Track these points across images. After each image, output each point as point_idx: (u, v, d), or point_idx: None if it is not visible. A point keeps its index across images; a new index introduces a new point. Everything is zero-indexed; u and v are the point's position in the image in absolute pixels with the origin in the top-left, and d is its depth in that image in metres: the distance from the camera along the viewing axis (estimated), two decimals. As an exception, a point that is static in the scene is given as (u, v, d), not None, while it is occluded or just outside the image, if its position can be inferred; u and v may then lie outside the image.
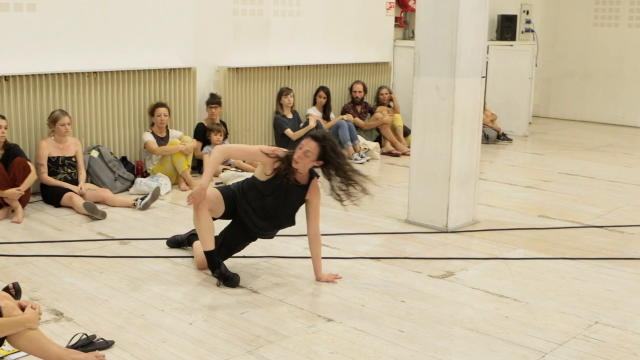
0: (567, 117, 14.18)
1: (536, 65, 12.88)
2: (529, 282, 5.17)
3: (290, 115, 9.58)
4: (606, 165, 9.61)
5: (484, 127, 10.69)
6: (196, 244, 5.45)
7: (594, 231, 6.48)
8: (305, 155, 4.87)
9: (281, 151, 5.01)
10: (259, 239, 5.35)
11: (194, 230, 5.77)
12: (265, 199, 5.03)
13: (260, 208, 5.06)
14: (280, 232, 5.20)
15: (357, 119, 10.23)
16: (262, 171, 5.05)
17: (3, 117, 6.75)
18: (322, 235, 5.08)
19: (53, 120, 7.19)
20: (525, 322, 4.47)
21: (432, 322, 4.45)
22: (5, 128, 6.71)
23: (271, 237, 5.36)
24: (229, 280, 4.96)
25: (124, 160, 8.12)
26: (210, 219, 4.99)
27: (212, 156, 5.02)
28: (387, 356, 3.99)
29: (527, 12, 13.77)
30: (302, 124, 9.53)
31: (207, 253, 5.00)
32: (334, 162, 4.90)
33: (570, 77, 14.13)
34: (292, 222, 5.21)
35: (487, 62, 7.69)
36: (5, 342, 3.49)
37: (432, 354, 4.02)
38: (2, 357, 3.82)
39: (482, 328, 4.37)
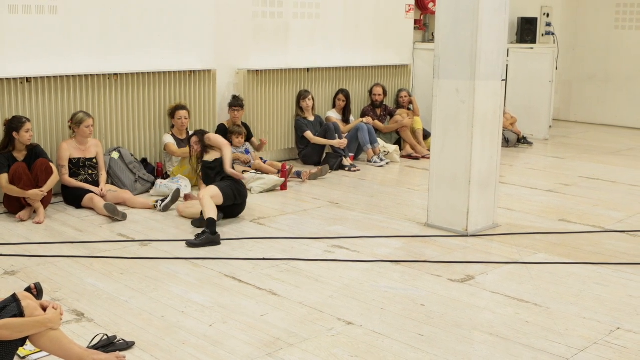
0: (588, 120, 14.09)
1: (557, 68, 12.82)
2: (549, 286, 5.14)
3: (311, 118, 9.59)
4: (627, 169, 9.53)
5: (504, 130, 10.68)
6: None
7: (616, 236, 6.43)
8: None
9: None
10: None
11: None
12: None
13: None
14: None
15: (376, 121, 10.21)
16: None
17: (28, 120, 6.79)
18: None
19: (77, 123, 7.21)
20: (546, 327, 4.44)
21: (452, 326, 4.43)
22: (31, 130, 6.77)
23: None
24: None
25: (144, 161, 8.15)
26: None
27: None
28: (406, 360, 3.98)
29: (548, 15, 13.70)
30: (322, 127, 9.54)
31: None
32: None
33: (591, 80, 14.04)
34: None
35: (507, 65, 7.65)
36: (27, 342, 3.52)
37: (452, 358, 4.00)
38: (24, 357, 3.86)
39: (503, 333, 4.35)
